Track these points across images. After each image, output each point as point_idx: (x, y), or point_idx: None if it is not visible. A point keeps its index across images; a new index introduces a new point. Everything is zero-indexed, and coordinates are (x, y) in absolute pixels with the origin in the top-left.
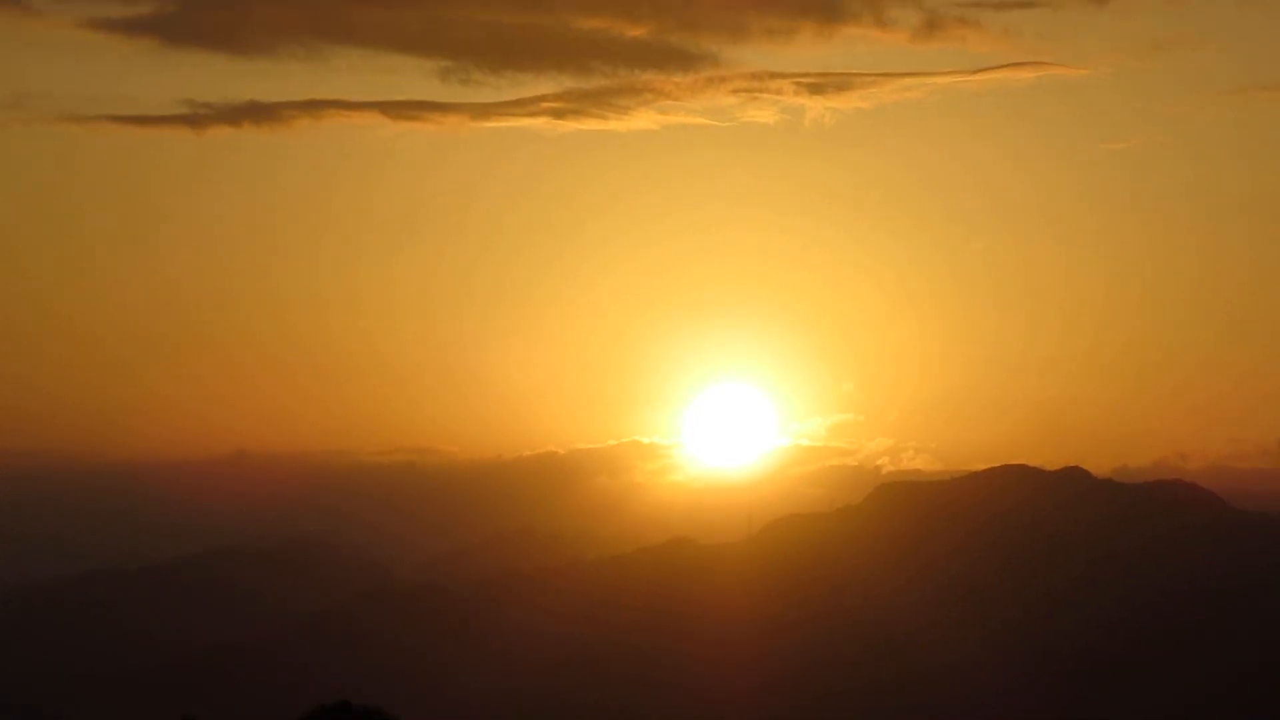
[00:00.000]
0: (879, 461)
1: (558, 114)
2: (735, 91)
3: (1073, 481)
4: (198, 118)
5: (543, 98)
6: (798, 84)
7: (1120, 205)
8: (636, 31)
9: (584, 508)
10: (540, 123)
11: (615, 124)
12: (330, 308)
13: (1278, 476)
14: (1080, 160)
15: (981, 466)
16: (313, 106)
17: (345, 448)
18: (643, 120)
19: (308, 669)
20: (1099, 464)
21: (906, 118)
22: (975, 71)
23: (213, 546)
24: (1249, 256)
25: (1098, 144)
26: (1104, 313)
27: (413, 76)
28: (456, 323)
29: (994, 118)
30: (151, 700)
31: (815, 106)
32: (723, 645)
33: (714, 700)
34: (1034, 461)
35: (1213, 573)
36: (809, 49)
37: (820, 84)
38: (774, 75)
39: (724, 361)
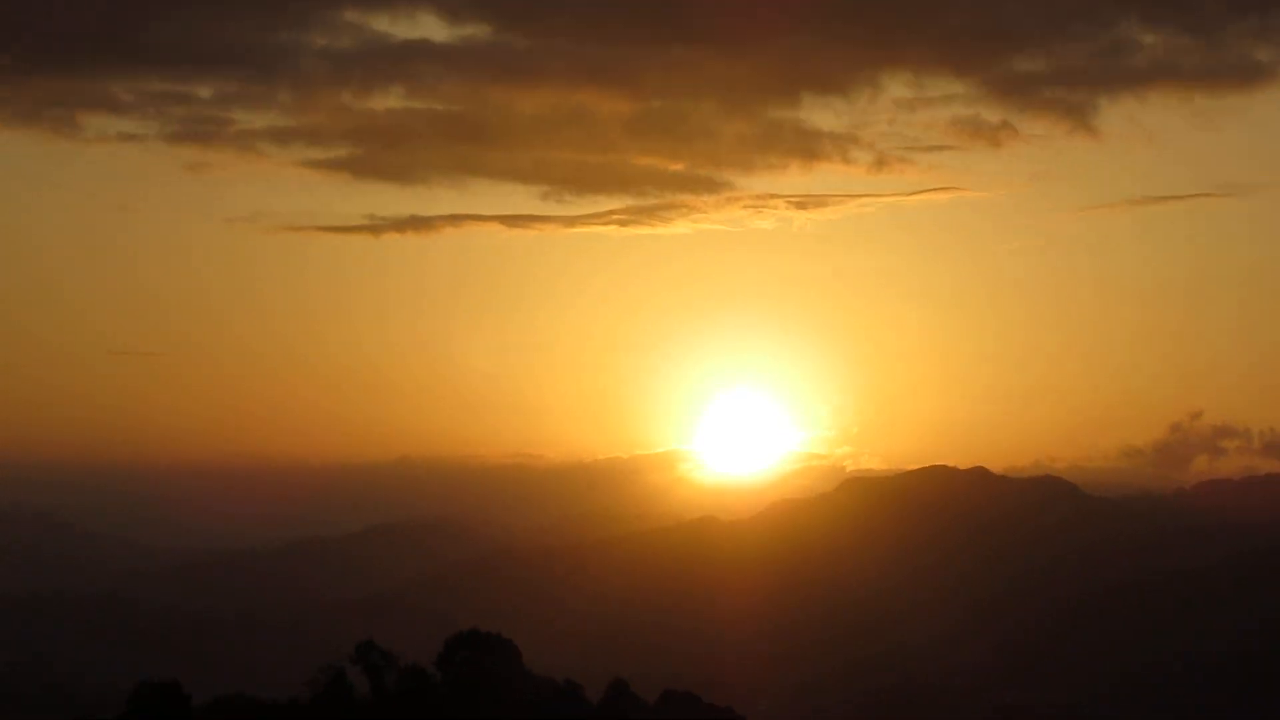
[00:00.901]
0: (844, 463)
1: (622, 223)
2: (745, 207)
3: (978, 476)
4: (376, 227)
5: (611, 212)
6: (788, 202)
7: (1012, 285)
8: (677, 166)
9: (639, 495)
10: (609, 229)
11: (661, 230)
12: (466, 355)
13: (1117, 473)
14: (984, 256)
15: (914, 466)
16: (455, 219)
17: (477, 452)
18: (681, 227)
19: (452, 609)
20: (995, 463)
21: (863, 226)
22: (911, 194)
23: (392, 520)
24: (1097, 318)
25: (996, 245)
26: (999, 359)
27: (524, 197)
28: (554, 368)
29: (924, 226)
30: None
31: (799, 218)
32: (736, 590)
33: (729, 626)
34: (950, 462)
35: (1074, 543)
36: (796, 177)
37: (803, 202)
38: (772, 196)
39: (737, 396)
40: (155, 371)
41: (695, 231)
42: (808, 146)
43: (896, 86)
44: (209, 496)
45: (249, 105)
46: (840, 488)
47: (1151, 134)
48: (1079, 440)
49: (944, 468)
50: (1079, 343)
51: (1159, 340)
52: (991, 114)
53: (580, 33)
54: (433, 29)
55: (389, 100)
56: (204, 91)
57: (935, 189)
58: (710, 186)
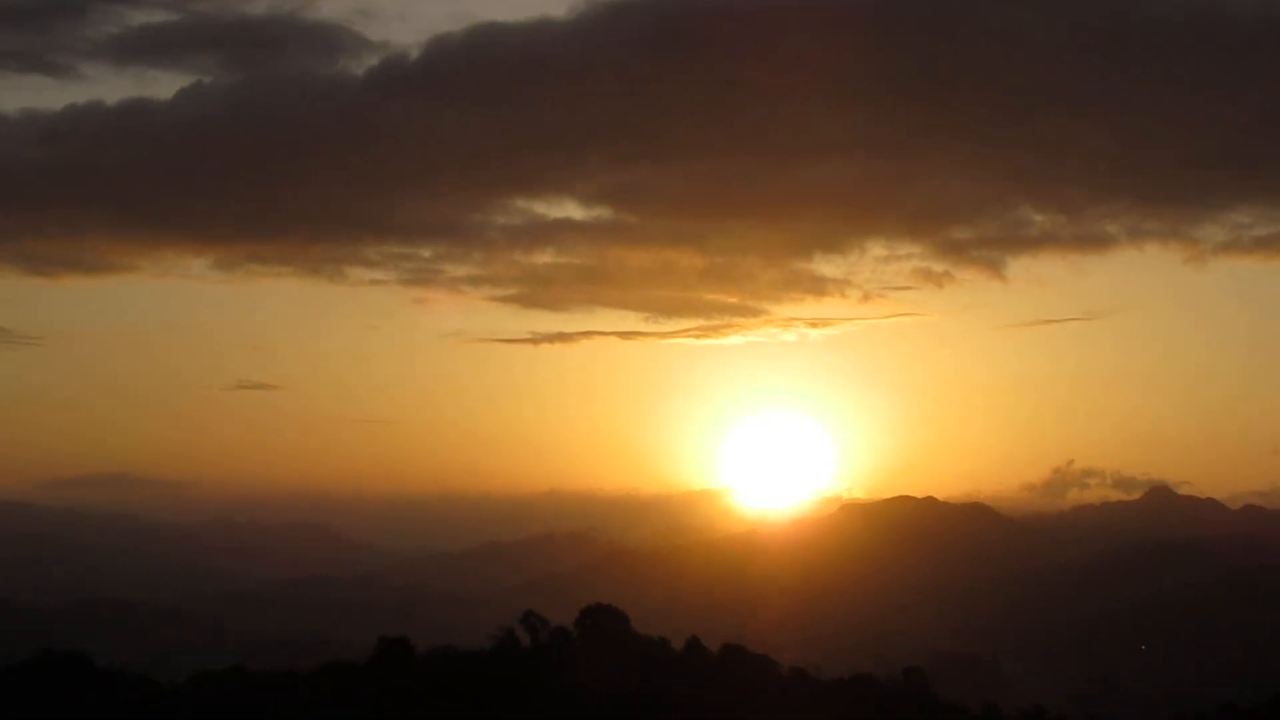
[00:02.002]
0: (841, 493)
1: (696, 337)
2: (777, 326)
3: (930, 503)
4: (535, 340)
5: (688, 330)
6: (805, 323)
7: (951, 377)
8: (731, 299)
9: (704, 516)
10: (688, 341)
11: (721, 341)
12: (592, 421)
13: (1020, 501)
14: (933, 359)
15: (886, 496)
16: (586, 334)
17: (601, 486)
18: (734, 340)
19: (583, 591)
20: (940, 493)
21: (854, 339)
22: (886, 318)
23: (545, 531)
24: (1006, 398)
25: (940, 351)
26: (942, 424)
27: (632, 320)
28: (648, 431)
29: (894, 340)
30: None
31: (813, 333)
32: (770, 577)
33: (764, 603)
34: (910, 493)
35: (995, 548)
36: (810, 307)
37: (815, 323)
38: (794, 319)
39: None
40: (392, 434)
41: (745, 343)
42: (818, 286)
43: (876, 248)
44: (427, 513)
45: (454, 260)
46: (839, 511)
47: (1041, 279)
48: (994, 479)
49: (908, 497)
50: (993, 415)
51: (1046, 411)
52: (937, 266)
53: (669, 213)
54: (573, 210)
55: (544, 257)
56: (425, 252)
57: (901, 315)
58: (754, 313)
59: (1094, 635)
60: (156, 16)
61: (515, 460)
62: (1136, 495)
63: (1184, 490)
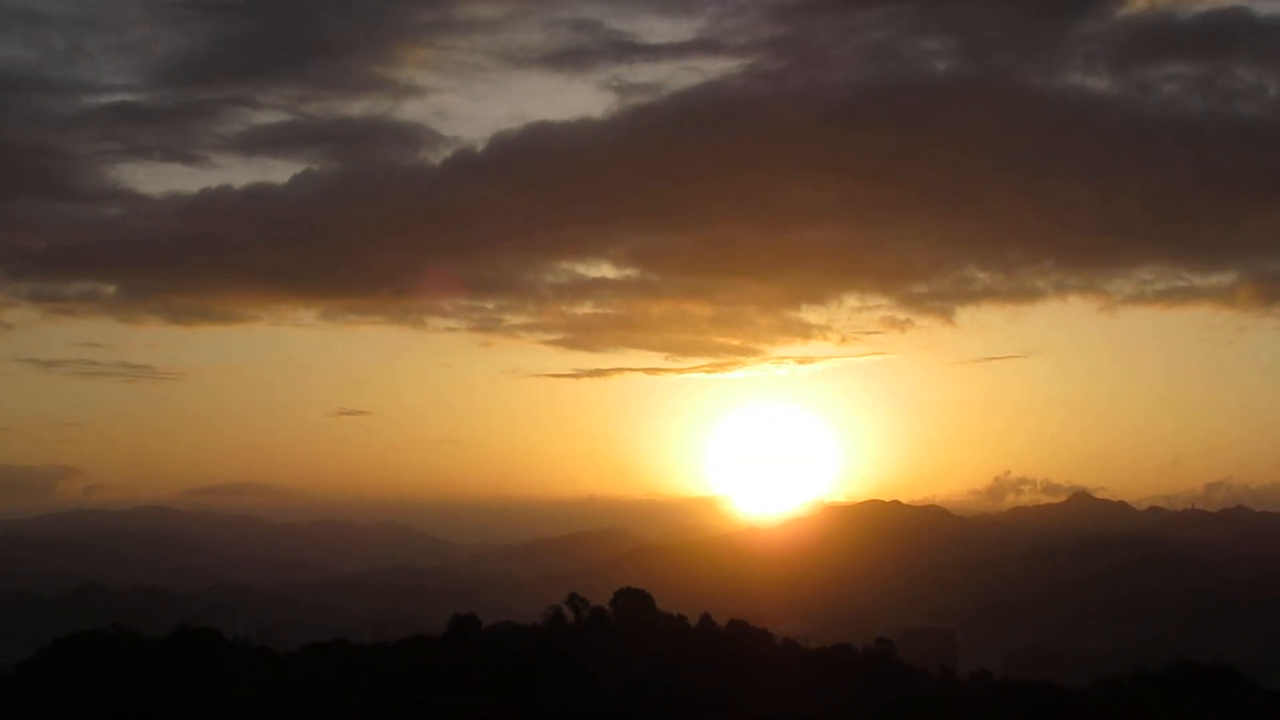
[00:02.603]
0: (823, 498)
1: (707, 372)
2: (772, 364)
3: (895, 505)
4: (577, 375)
5: (701, 366)
6: (795, 360)
7: (911, 407)
8: (736, 342)
9: (711, 516)
10: (700, 375)
11: (726, 376)
12: (623, 441)
13: (968, 503)
14: (897, 391)
15: (862, 499)
16: (619, 370)
17: (630, 493)
18: (738, 375)
19: (616, 578)
20: (903, 497)
21: (834, 375)
22: (860, 357)
23: (585, 530)
24: (957, 422)
25: (903, 385)
26: (905, 441)
27: (655, 359)
28: (668, 449)
29: (867, 375)
30: None
31: (801, 370)
32: (766, 565)
33: (762, 587)
34: (880, 497)
35: (948, 542)
36: (799, 348)
37: (803, 360)
38: (785, 357)
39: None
40: (461, 451)
41: (746, 377)
42: (805, 331)
43: (851, 300)
44: (488, 514)
45: (512, 311)
46: (822, 512)
47: (984, 325)
48: (947, 485)
49: (878, 500)
50: (946, 434)
51: (988, 431)
52: (900, 315)
53: (684, 272)
54: (607, 271)
55: (584, 308)
56: (489, 305)
57: (872, 354)
58: (753, 353)
59: (1028, 611)
60: (275, 117)
61: (559, 472)
62: (1062, 498)
63: (1100, 494)
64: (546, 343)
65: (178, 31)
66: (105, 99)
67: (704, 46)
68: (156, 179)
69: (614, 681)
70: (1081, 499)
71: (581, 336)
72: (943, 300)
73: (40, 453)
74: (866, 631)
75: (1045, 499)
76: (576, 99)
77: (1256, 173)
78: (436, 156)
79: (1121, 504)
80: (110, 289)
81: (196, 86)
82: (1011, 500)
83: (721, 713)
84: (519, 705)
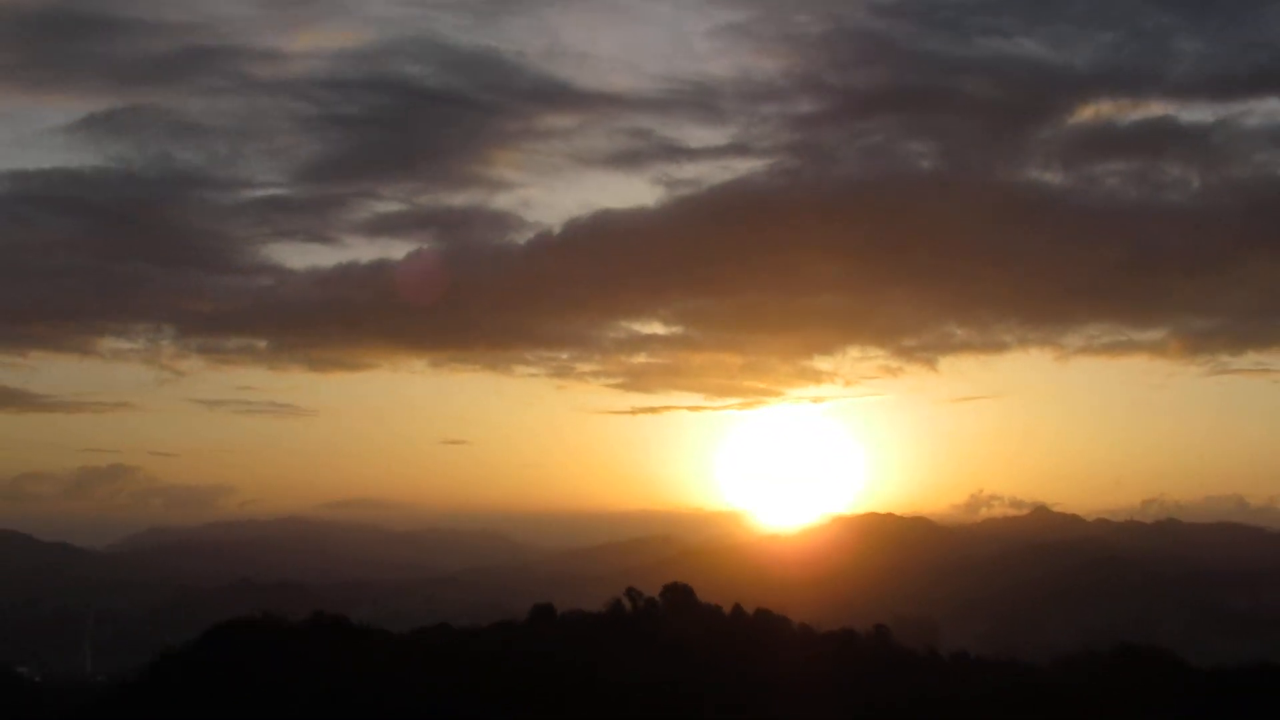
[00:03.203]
0: (831, 510)
1: (738, 409)
2: (791, 402)
3: (889, 517)
4: (634, 412)
5: (732, 405)
6: (810, 400)
7: (899, 437)
8: (761, 385)
9: (739, 528)
10: (733, 412)
11: (755, 411)
12: (669, 466)
13: (948, 515)
14: (888, 425)
15: (863, 512)
16: (666, 409)
17: (676, 508)
18: (763, 412)
19: (663, 574)
20: (896, 510)
21: (840, 412)
22: (860, 397)
23: (640, 536)
24: (937, 450)
25: (892, 421)
26: (895, 463)
27: (696, 399)
28: (705, 470)
29: (865, 412)
30: None
31: (813, 406)
32: (783, 563)
33: (779, 581)
34: (878, 510)
35: (932, 548)
36: (811, 390)
37: (816, 400)
38: (800, 397)
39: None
40: (541, 474)
41: (769, 414)
42: (816, 377)
43: (854, 351)
44: (562, 523)
45: (582, 360)
46: (830, 523)
47: (962, 372)
48: (932, 500)
49: (875, 513)
50: (931, 459)
51: (965, 456)
52: (894, 363)
53: (721, 329)
54: (658, 328)
55: (640, 358)
56: (564, 355)
57: (871, 395)
58: (776, 394)
59: (997, 603)
60: (393, 207)
61: (619, 489)
62: (1025, 512)
63: (1056, 508)
64: (609, 386)
65: (316, 139)
66: (259, 193)
67: (735, 149)
68: (299, 256)
69: (662, 656)
70: (1041, 512)
71: (637, 381)
72: (928, 351)
73: (204, 474)
74: (866, 619)
75: (1011, 512)
76: (633, 191)
77: (1181, 250)
78: (521, 237)
79: (1074, 516)
80: (262, 344)
81: (331, 183)
82: (984, 513)
83: (748, 681)
84: (586, 676)
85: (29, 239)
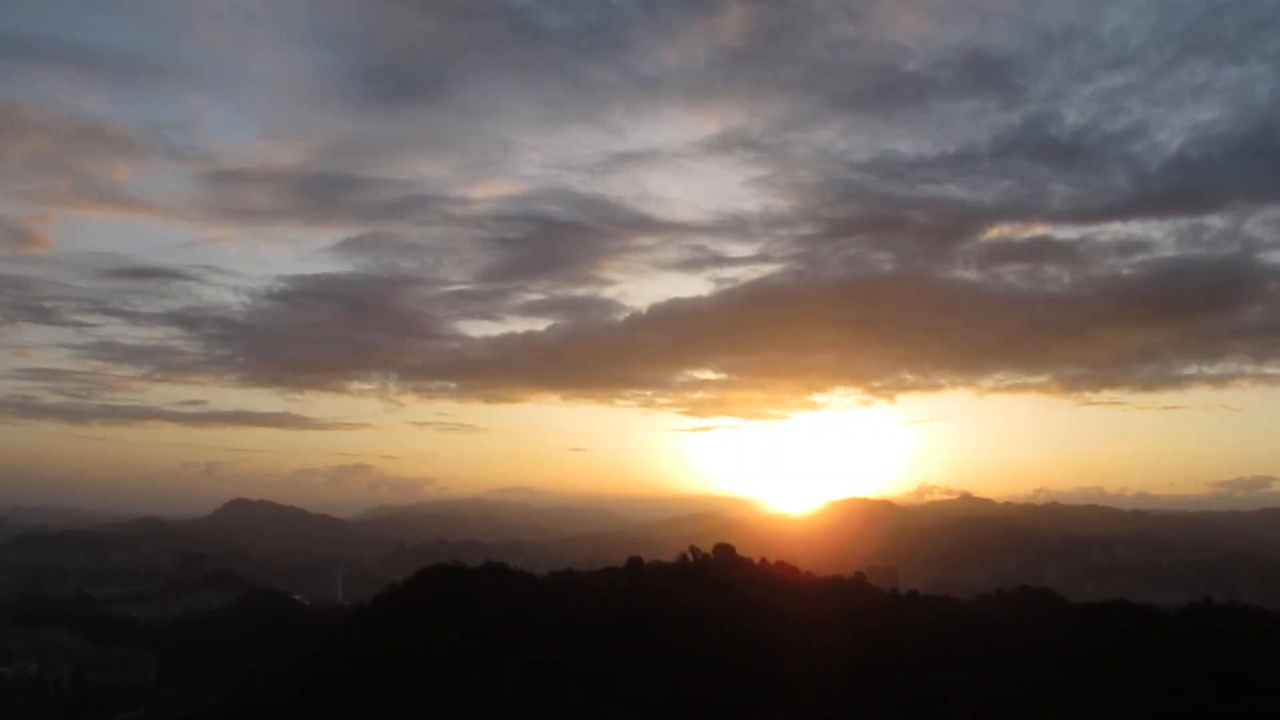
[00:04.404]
0: (826, 497)
1: (764, 425)
2: (796, 423)
3: (868, 501)
4: (696, 429)
5: (758, 422)
6: (809, 421)
7: (878, 450)
8: (778, 411)
9: (767, 507)
10: (760, 425)
11: (775, 425)
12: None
13: (910, 499)
14: (868, 439)
15: (848, 499)
16: (718, 427)
17: (718, 493)
18: (782, 426)
19: (709, 540)
20: (872, 497)
21: (830, 429)
22: (844, 418)
23: (689, 512)
24: (906, 453)
25: (872, 436)
26: (871, 468)
27: (734, 420)
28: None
29: (850, 430)
30: None
31: (813, 425)
32: (795, 536)
33: (791, 546)
34: (858, 497)
35: (893, 525)
36: (810, 414)
37: (814, 422)
38: (805, 420)
39: (779, 475)
40: (636, 470)
41: (784, 430)
42: (814, 406)
43: (840, 390)
44: (647, 503)
45: (662, 395)
46: (828, 506)
47: (914, 403)
48: (893, 488)
49: (857, 498)
50: (892, 462)
51: (916, 460)
52: (867, 398)
53: (752, 375)
54: (710, 374)
55: (698, 394)
56: (648, 392)
57: (850, 419)
58: (786, 418)
59: (937, 559)
60: (538, 296)
61: (684, 480)
62: (955, 497)
63: (976, 495)
64: (678, 412)
65: (489, 253)
66: (452, 288)
67: (760, 258)
68: (477, 329)
69: (714, 592)
70: (967, 498)
71: (695, 409)
72: (889, 390)
73: (415, 470)
74: (849, 569)
75: (946, 498)
76: (694, 286)
77: (1058, 323)
78: (620, 316)
79: (988, 500)
80: (453, 385)
81: (497, 281)
82: (927, 498)
83: (771, 609)
84: (665, 604)
85: (307, 319)
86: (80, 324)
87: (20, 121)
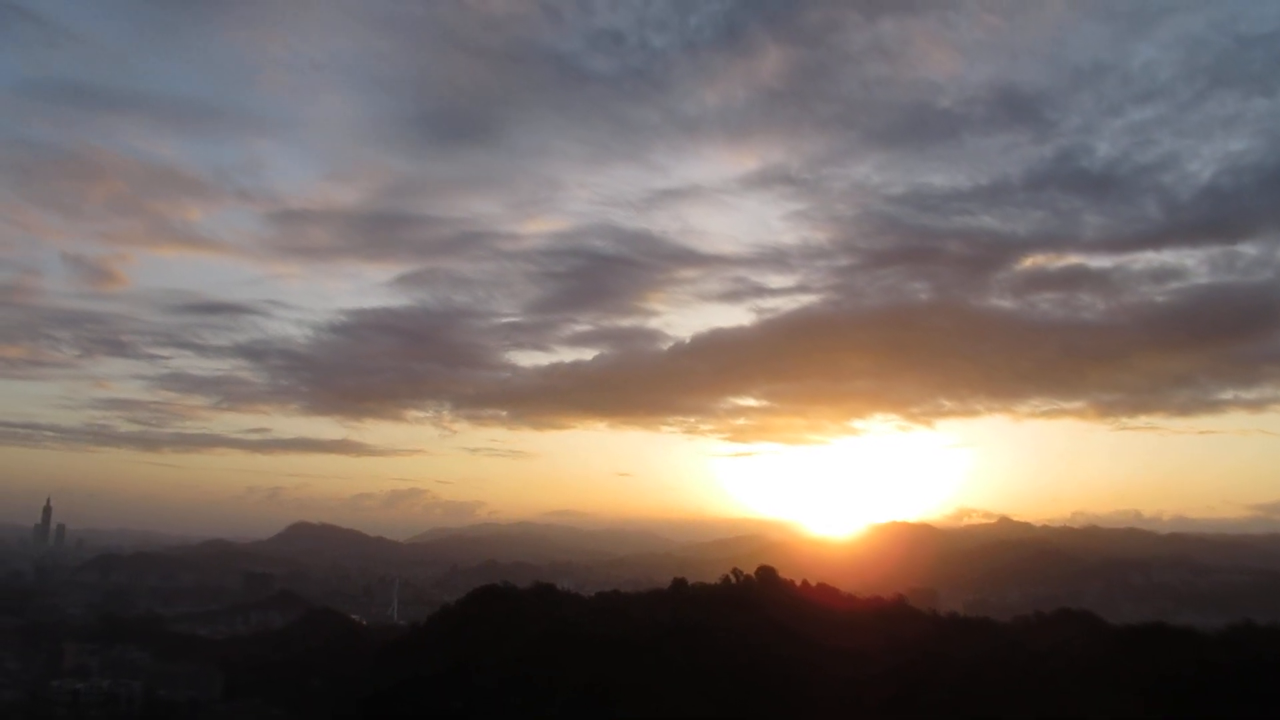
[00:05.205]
0: (867, 520)
1: (806, 449)
2: (836, 447)
3: (906, 524)
4: (738, 454)
5: (800, 447)
6: (849, 445)
7: (915, 474)
8: (819, 435)
9: (808, 531)
10: (802, 450)
11: (816, 448)
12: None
13: (949, 522)
14: (906, 463)
15: (888, 522)
16: (759, 452)
17: (759, 517)
18: (822, 449)
19: (752, 563)
20: (912, 519)
21: (869, 452)
22: (882, 445)
23: (735, 535)
24: (945, 477)
25: (910, 460)
26: (909, 491)
27: (775, 446)
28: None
29: (888, 454)
30: None
31: (852, 450)
32: (834, 558)
33: (833, 569)
34: (898, 520)
35: (931, 547)
36: (850, 438)
37: (854, 446)
38: (845, 446)
39: (820, 497)
40: (678, 494)
41: (824, 455)
42: (854, 431)
43: (879, 416)
44: (690, 526)
45: (705, 422)
46: (868, 530)
47: (953, 428)
48: (934, 511)
49: (896, 522)
50: (927, 486)
51: (954, 485)
52: (906, 424)
53: (793, 402)
54: (752, 401)
55: (740, 421)
56: (691, 419)
57: (889, 444)
58: (826, 444)
59: (976, 581)
60: (585, 327)
61: (726, 504)
62: (994, 520)
63: (1015, 518)
64: (720, 438)
65: (538, 287)
66: (503, 320)
67: (800, 289)
68: (527, 359)
69: (756, 613)
70: (1005, 521)
71: (738, 435)
72: (927, 416)
73: (468, 494)
74: (889, 590)
75: (985, 521)
76: (735, 316)
77: (1093, 349)
78: (664, 346)
79: (1026, 523)
80: (504, 413)
81: (547, 313)
82: (966, 521)
83: (812, 630)
84: (708, 620)
85: (365, 350)
86: (154, 356)
87: (100, 167)
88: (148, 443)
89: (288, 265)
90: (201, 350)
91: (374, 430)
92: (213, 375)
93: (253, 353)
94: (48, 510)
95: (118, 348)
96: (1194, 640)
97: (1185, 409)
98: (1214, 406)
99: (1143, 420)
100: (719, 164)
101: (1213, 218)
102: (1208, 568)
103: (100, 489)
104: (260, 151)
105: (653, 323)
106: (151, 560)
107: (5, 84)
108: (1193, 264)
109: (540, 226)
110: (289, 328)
